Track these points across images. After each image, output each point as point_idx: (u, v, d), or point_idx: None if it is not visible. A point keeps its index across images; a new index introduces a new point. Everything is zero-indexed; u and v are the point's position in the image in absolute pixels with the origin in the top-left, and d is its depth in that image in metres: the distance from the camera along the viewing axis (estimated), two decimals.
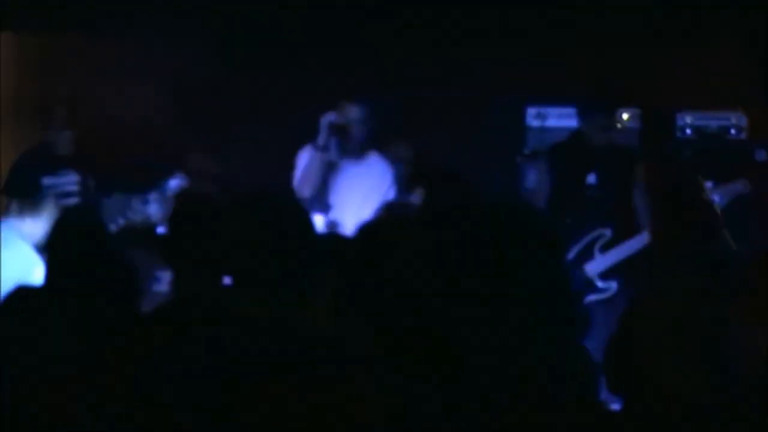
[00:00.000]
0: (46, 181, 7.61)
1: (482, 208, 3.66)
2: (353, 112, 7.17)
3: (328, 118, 7.08)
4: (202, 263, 4.37)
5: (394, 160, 7.44)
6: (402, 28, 8.62)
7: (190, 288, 4.36)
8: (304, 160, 7.19)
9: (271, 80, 8.72)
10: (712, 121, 8.30)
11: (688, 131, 8.28)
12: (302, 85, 8.29)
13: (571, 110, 7.93)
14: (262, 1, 8.75)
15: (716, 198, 7.05)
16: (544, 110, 8.36)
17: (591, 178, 7.23)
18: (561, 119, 8.27)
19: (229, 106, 8.81)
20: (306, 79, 8.34)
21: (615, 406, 3.38)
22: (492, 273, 3.31)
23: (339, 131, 7.13)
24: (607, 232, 7.06)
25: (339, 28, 8.65)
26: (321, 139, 7.07)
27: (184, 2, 8.44)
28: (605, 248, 7.05)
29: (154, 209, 7.15)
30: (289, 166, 7.36)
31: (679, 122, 8.32)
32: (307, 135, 7.23)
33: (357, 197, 6.80)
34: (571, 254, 6.98)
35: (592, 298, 6.92)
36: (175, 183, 7.20)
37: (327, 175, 7.15)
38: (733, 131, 8.23)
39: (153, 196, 7.13)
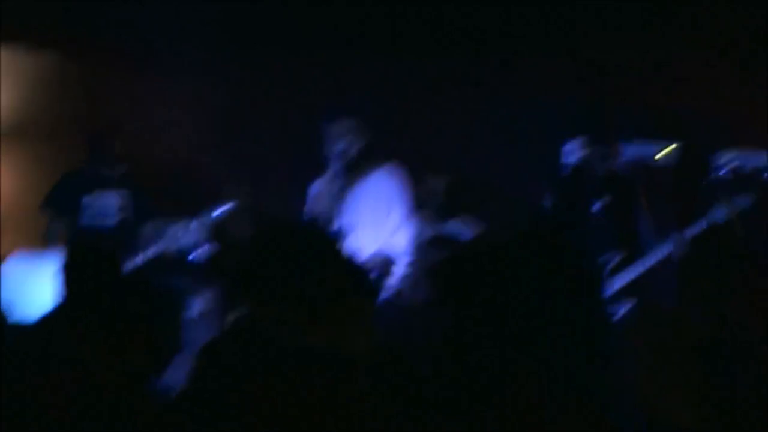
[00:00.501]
0: (85, 201, 7.67)
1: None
2: (341, 128, 7.22)
3: (337, 147, 7.20)
4: (241, 290, 4.19)
5: (429, 194, 7.59)
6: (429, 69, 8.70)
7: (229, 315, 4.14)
8: (316, 189, 7.33)
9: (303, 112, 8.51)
10: (750, 160, 8.01)
11: (725, 170, 7.90)
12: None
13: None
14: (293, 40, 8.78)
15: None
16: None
17: (596, 206, 7.34)
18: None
19: (265, 136, 8.88)
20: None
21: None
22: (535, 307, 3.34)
23: (345, 158, 7.20)
24: (614, 258, 7.09)
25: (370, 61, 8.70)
26: (332, 167, 7.20)
27: (224, 36, 8.53)
28: (612, 273, 7.07)
29: (192, 237, 7.21)
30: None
31: (717, 161, 7.95)
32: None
33: (367, 214, 6.87)
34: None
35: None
36: (219, 212, 7.24)
37: (336, 199, 7.21)
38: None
39: (194, 224, 7.18)
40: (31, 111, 8.82)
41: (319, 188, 7.33)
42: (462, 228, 7.81)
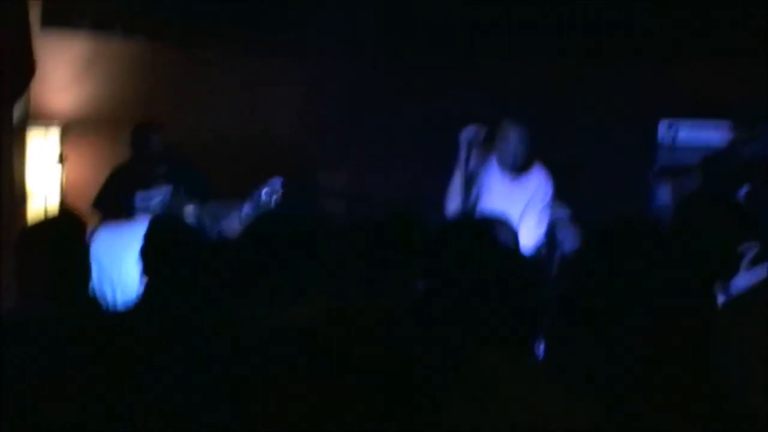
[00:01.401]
0: (139, 199, 7.49)
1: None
2: (512, 134, 7.17)
3: (466, 133, 7.16)
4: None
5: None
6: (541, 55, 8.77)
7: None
8: (454, 178, 7.30)
9: (404, 93, 8.84)
10: None
11: None
12: (440, 104, 8.28)
13: (703, 123, 8.25)
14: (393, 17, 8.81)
15: None
16: (675, 123, 8.37)
17: (742, 192, 7.16)
18: (693, 132, 8.34)
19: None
20: (448, 97, 8.32)
21: None
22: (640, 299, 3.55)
23: (478, 145, 7.18)
24: (755, 248, 7.02)
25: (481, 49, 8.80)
26: (461, 155, 7.17)
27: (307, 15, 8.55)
28: (751, 264, 6.57)
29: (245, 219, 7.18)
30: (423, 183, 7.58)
31: None
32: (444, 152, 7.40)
33: (512, 211, 6.61)
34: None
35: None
36: (266, 191, 7.14)
37: (471, 189, 7.21)
38: None
39: (247, 207, 7.11)
40: (112, 99, 8.85)
41: (453, 175, 7.27)
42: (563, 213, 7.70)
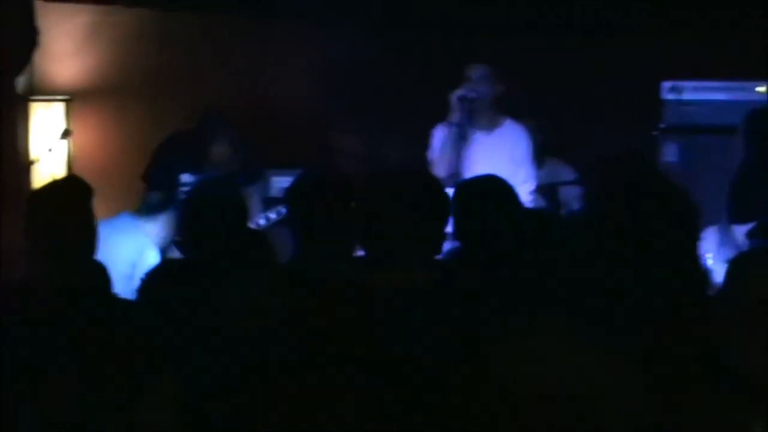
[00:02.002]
0: (187, 178, 7.56)
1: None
2: (477, 73, 7.26)
3: (457, 93, 7.18)
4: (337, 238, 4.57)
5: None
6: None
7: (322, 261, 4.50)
8: (439, 137, 7.30)
9: (409, 60, 8.85)
10: None
11: None
12: (438, 66, 8.26)
13: (708, 84, 8.12)
14: None
15: None
16: (680, 84, 8.24)
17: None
18: (698, 93, 8.22)
19: (371, 88, 8.89)
20: (444, 60, 8.29)
21: None
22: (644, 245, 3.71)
23: (469, 104, 7.18)
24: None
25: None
26: (454, 116, 7.17)
27: None
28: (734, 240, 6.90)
29: None
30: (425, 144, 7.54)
31: None
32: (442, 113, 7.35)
33: (493, 168, 6.46)
34: (750, 229, 6.70)
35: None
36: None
37: (461, 149, 7.20)
38: None
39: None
40: (118, 70, 8.82)
41: (443, 135, 7.32)
42: (562, 172, 7.93)
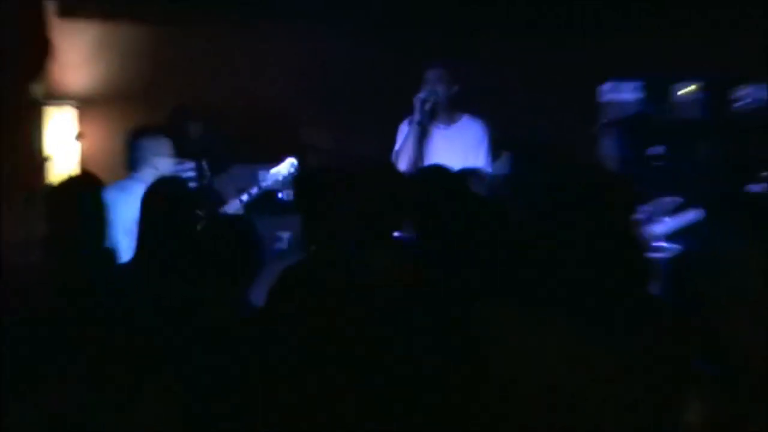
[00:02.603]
0: (270, 177, 7.41)
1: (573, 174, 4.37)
2: (434, 75, 7.25)
3: (420, 95, 7.17)
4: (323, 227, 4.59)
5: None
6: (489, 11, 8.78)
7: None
8: (403, 133, 7.31)
9: (376, 64, 8.81)
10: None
11: (749, 101, 8.20)
12: (404, 69, 8.03)
13: (640, 84, 8.20)
14: None
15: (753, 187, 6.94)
16: (617, 84, 8.34)
17: (657, 149, 7.36)
18: (633, 93, 8.29)
19: (344, 88, 8.88)
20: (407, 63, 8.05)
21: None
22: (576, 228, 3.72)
23: (427, 104, 7.18)
24: (672, 201, 6.98)
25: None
26: (416, 115, 7.17)
27: None
28: (670, 212, 6.97)
29: (275, 179, 7.26)
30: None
31: (740, 93, 8.27)
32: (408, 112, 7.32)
33: (450, 159, 6.63)
34: (642, 217, 6.93)
35: (657, 256, 6.72)
36: (276, 175, 7.23)
37: (422, 144, 7.23)
38: None
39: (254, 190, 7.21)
40: (123, 78, 8.85)
41: (406, 131, 7.32)
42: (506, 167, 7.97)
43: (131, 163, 7.05)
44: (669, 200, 6.97)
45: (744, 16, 8.48)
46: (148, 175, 6.71)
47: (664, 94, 8.12)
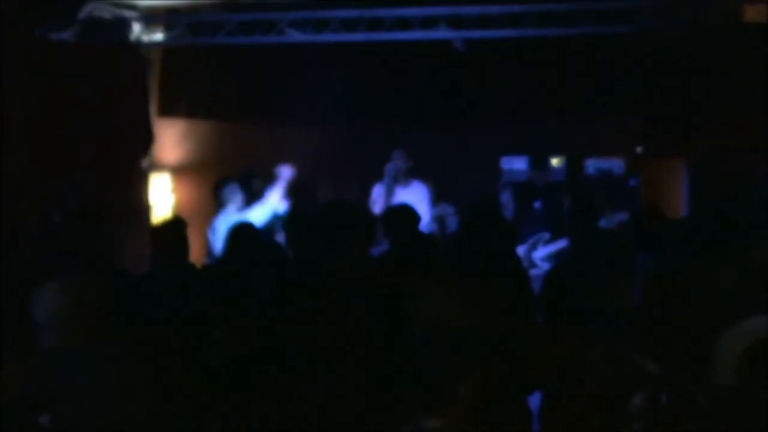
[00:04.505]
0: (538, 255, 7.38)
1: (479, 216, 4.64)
2: (398, 154, 7.77)
3: (389, 165, 7.86)
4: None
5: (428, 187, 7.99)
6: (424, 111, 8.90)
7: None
8: (377, 191, 7.96)
9: (361, 146, 8.90)
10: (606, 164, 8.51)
11: (592, 170, 8.53)
12: (378, 149, 8.30)
13: (525, 158, 8.65)
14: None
15: (603, 223, 6.80)
16: (510, 158, 8.71)
17: (537, 204, 7.68)
18: (520, 164, 8.69)
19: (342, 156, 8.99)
20: (380, 146, 8.34)
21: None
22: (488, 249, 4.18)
23: (393, 173, 7.84)
24: (547, 235, 7.17)
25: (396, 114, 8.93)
26: (385, 179, 7.85)
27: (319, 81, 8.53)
28: (546, 243, 7.18)
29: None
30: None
31: (588, 165, 8.59)
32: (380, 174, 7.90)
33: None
34: (526, 245, 7.16)
35: (535, 272, 6.83)
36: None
37: (389, 197, 7.77)
38: (616, 170, 8.46)
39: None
40: (200, 155, 9.03)
41: (378, 190, 7.92)
42: (447, 209, 7.85)
43: (218, 203, 7.25)
44: (544, 234, 7.20)
45: (592, 112, 8.78)
46: (230, 214, 7.06)
47: (542, 164, 8.36)
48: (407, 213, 5.39)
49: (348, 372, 3.00)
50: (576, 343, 3.08)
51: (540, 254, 7.17)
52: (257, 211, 7.01)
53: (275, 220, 7.20)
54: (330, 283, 3.81)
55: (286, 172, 7.58)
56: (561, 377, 3.03)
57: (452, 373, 2.70)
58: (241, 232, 4.95)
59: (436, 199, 7.96)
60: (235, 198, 7.28)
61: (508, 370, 2.91)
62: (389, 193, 7.76)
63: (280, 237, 5.82)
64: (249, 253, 4.49)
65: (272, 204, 7.36)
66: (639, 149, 8.56)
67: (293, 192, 7.68)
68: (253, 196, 7.76)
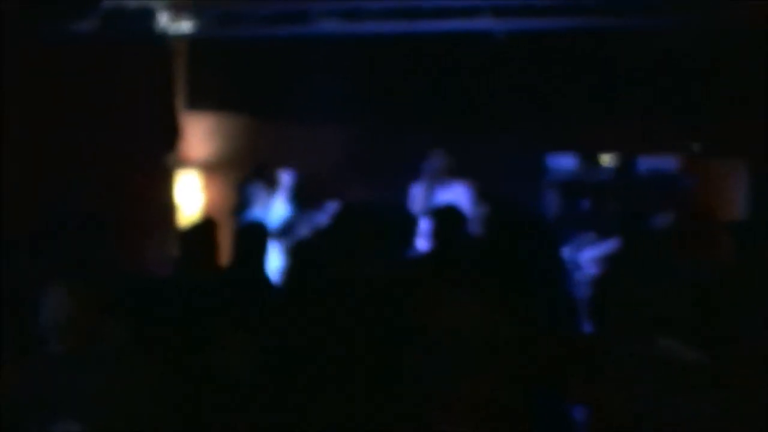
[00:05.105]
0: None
1: (519, 217, 4.55)
2: (437, 153, 7.57)
3: (427, 164, 7.61)
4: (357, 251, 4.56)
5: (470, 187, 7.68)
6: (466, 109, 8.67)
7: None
8: (415, 190, 7.68)
9: (397, 142, 8.74)
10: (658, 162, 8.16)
11: (643, 169, 8.15)
12: (415, 147, 8.07)
13: (571, 156, 8.31)
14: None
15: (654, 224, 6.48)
16: (555, 155, 8.39)
17: (584, 203, 7.56)
18: (566, 162, 8.34)
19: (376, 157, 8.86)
20: (417, 143, 8.17)
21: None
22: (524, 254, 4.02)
23: (435, 172, 7.59)
24: (593, 236, 7.07)
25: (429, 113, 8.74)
26: (424, 177, 7.60)
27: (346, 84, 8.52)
28: (592, 244, 7.08)
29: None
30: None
31: (639, 163, 8.22)
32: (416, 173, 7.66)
33: None
34: (571, 246, 7.06)
35: (581, 275, 6.69)
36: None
37: (428, 196, 7.51)
38: (669, 169, 8.12)
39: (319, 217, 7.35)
40: (228, 150, 8.96)
41: (416, 189, 7.65)
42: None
43: (241, 202, 7.09)
44: (589, 235, 7.09)
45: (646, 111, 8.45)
46: (254, 211, 6.84)
47: (592, 162, 8.08)
48: (453, 214, 5.30)
49: (356, 382, 3.02)
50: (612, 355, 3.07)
51: (586, 256, 7.04)
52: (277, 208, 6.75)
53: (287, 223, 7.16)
54: (346, 290, 3.72)
55: (285, 178, 7.60)
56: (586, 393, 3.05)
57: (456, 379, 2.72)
58: (252, 233, 4.94)
59: (477, 199, 7.59)
60: (260, 197, 7.16)
61: (517, 379, 2.91)
62: (429, 192, 7.54)
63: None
64: (260, 257, 4.53)
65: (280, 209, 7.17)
66: (695, 147, 8.27)
67: (322, 192, 7.65)
68: (285, 194, 7.77)
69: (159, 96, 7.99)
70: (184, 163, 8.64)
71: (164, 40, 7.90)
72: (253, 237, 4.91)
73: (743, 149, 8.11)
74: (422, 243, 6.60)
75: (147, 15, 7.61)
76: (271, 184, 7.75)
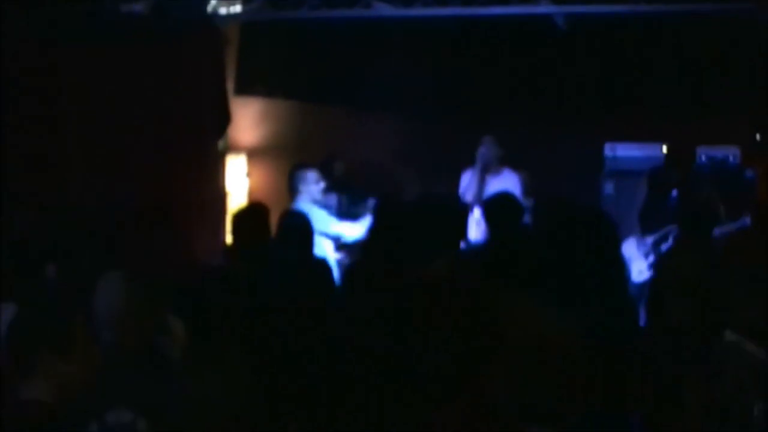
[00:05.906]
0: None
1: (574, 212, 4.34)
2: (488, 140, 7.55)
3: (480, 151, 7.58)
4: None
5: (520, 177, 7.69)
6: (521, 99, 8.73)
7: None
8: (467, 177, 7.65)
9: (450, 131, 8.73)
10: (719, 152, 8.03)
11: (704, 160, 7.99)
12: (467, 136, 7.94)
13: (632, 145, 8.18)
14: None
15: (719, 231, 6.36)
16: (614, 145, 8.33)
17: (674, 193, 7.28)
18: (626, 151, 8.26)
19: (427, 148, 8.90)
20: (469, 131, 8.00)
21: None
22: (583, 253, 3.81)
23: (483, 159, 7.55)
24: (676, 228, 6.75)
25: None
26: (477, 165, 7.56)
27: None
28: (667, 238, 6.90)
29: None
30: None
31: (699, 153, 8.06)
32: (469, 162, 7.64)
33: None
34: (654, 238, 6.94)
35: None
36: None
37: (479, 185, 7.48)
38: (731, 160, 7.98)
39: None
40: (277, 136, 9.08)
41: (469, 176, 7.60)
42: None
43: (291, 190, 6.88)
44: (674, 228, 6.80)
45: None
46: (304, 200, 6.69)
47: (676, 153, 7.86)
48: (510, 203, 5.27)
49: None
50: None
51: (665, 247, 6.92)
52: (347, 227, 6.56)
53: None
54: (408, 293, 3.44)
55: (337, 167, 7.63)
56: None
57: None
58: (294, 225, 4.95)
59: (528, 190, 7.65)
60: (311, 186, 6.90)
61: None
62: (482, 181, 7.48)
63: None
64: (304, 250, 4.58)
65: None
66: (758, 136, 8.16)
67: (377, 183, 7.66)
68: (335, 183, 7.65)
69: (209, 80, 7.93)
70: (233, 147, 8.69)
71: (215, 23, 7.94)
72: (297, 228, 4.95)
73: None
74: (475, 232, 6.69)
75: None
76: (329, 174, 7.65)
